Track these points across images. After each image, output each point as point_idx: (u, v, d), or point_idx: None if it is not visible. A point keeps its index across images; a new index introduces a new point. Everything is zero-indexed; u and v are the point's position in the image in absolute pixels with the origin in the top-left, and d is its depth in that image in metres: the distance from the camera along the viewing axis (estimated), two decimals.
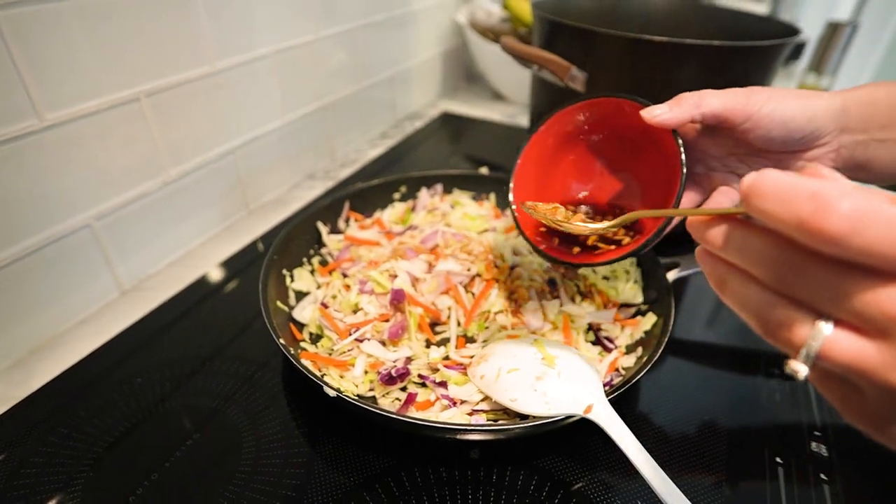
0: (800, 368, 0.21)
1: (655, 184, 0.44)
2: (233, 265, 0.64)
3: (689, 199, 0.43)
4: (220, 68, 0.62)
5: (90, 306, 0.56)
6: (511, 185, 0.47)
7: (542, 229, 0.46)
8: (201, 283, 0.60)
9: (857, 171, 0.39)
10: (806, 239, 0.19)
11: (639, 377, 0.41)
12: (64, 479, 0.39)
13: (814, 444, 0.44)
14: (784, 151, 0.38)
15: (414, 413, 0.42)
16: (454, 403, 0.43)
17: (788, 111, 0.36)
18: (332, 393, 0.38)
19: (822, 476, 0.41)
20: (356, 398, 0.38)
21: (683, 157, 0.40)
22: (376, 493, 0.39)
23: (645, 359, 0.43)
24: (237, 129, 0.68)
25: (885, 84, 0.38)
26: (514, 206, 0.47)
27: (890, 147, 0.38)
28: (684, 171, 0.40)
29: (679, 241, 0.71)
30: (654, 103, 0.39)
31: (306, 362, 0.43)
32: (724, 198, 0.41)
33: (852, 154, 0.38)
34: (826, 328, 0.20)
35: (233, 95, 0.66)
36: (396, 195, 0.67)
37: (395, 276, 0.52)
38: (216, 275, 0.62)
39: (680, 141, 0.40)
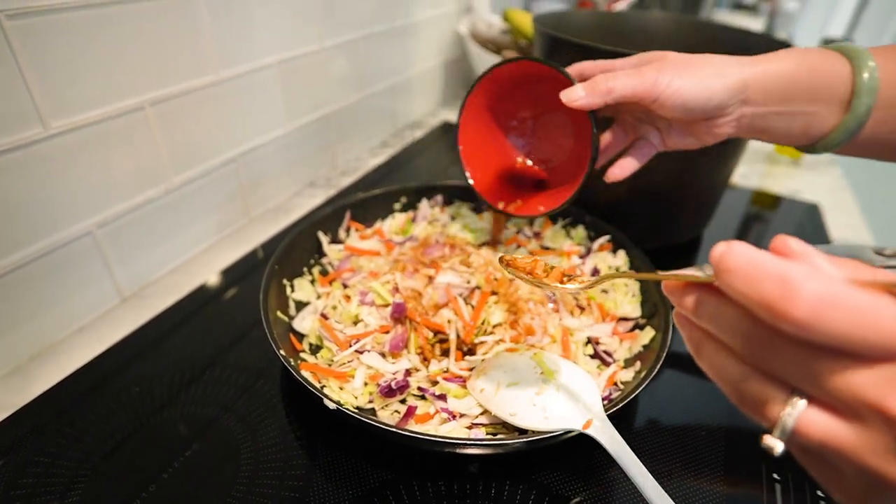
0: (775, 444, 0.21)
1: (584, 138, 0.49)
2: (233, 273, 0.64)
3: (615, 138, 0.50)
4: (224, 77, 0.63)
5: (90, 313, 0.56)
6: (458, 141, 0.55)
7: (496, 178, 0.57)
8: (202, 290, 0.60)
9: (757, 135, 0.44)
10: (772, 322, 0.19)
11: (637, 393, 0.41)
12: (61, 489, 0.39)
13: None
14: (691, 120, 0.43)
15: (413, 426, 0.42)
16: (453, 417, 0.43)
17: (688, 93, 0.40)
18: (332, 405, 0.39)
19: (819, 493, 0.42)
20: (355, 410, 0.38)
21: (595, 137, 0.46)
22: None
23: (643, 374, 0.43)
24: (240, 138, 0.69)
25: (796, 54, 0.41)
26: (460, 151, 0.56)
27: (786, 118, 0.42)
28: (595, 152, 0.46)
29: (678, 255, 0.71)
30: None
31: (306, 373, 0.43)
32: (638, 153, 0.49)
33: (752, 122, 0.43)
34: (800, 405, 0.20)
35: (236, 104, 0.66)
36: (397, 205, 0.67)
37: (397, 289, 0.52)
38: (217, 282, 0.62)
39: (594, 123, 0.45)
